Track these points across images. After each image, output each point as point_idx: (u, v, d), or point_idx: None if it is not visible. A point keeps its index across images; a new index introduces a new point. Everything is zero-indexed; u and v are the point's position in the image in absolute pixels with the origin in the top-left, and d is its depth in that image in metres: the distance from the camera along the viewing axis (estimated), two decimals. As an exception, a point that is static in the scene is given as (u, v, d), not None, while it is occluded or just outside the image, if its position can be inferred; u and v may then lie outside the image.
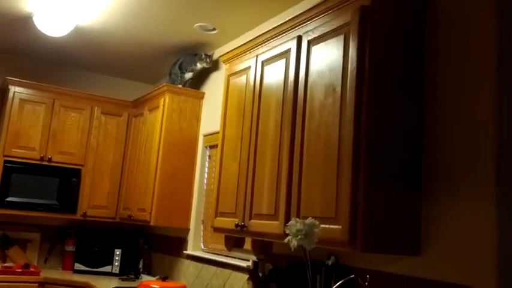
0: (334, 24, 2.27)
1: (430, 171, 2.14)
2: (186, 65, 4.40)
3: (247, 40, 3.03)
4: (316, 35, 2.39)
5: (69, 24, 4.00)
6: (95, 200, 4.86)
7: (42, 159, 4.67)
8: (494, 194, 1.87)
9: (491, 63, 1.97)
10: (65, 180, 4.73)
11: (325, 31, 2.33)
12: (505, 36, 1.99)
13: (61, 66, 5.34)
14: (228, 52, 3.24)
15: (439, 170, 2.10)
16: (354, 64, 2.10)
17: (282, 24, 2.69)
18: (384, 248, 2.04)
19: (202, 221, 4.27)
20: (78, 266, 4.73)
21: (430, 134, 2.16)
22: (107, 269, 4.74)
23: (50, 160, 4.70)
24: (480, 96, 1.99)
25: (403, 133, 2.14)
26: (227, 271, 3.61)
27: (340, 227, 2.02)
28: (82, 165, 4.85)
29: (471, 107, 2.01)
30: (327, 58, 2.29)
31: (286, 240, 1.90)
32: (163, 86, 4.41)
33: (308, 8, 2.48)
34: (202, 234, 4.27)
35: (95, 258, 4.76)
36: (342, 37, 2.21)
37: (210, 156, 4.33)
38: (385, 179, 2.05)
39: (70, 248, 4.89)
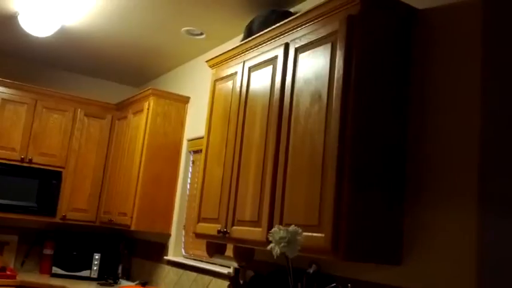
0: (322, 32, 2.28)
1: (413, 181, 2.15)
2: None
3: (235, 46, 3.02)
4: (304, 43, 2.40)
5: (54, 25, 3.96)
6: (75, 203, 4.79)
7: (22, 160, 4.60)
8: (476, 205, 1.89)
9: (477, 76, 1.99)
10: (45, 182, 4.65)
11: (312, 39, 2.34)
12: (491, 51, 2.02)
13: (45, 67, 5.28)
14: (214, 57, 3.24)
15: (422, 180, 2.11)
16: (340, 72, 2.11)
17: (269, 31, 2.69)
18: (366, 257, 2.04)
19: (184, 226, 4.24)
20: (55, 269, 4.65)
21: (414, 143, 2.18)
22: (85, 273, 4.67)
23: (30, 161, 4.63)
24: (465, 108, 2.00)
25: (388, 142, 2.15)
26: (208, 277, 3.59)
27: (323, 235, 2.02)
28: (63, 168, 4.78)
29: (456, 117, 2.03)
30: (314, 66, 2.30)
31: (269, 247, 1.89)
32: (148, 90, 4.38)
33: (296, 15, 2.48)
34: (183, 239, 4.24)
35: (73, 262, 4.68)
36: (329, 45, 2.22)
37: (193, 161, 4.31)
38: (369, 188, 2.06)
39: (48, 251, 4.80)
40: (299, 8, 3.16)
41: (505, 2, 2.12)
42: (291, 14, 2.96)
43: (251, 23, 3.16)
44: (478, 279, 1.85)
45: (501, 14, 2.10)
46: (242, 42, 2.96)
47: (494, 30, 2.05)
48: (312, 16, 2.37)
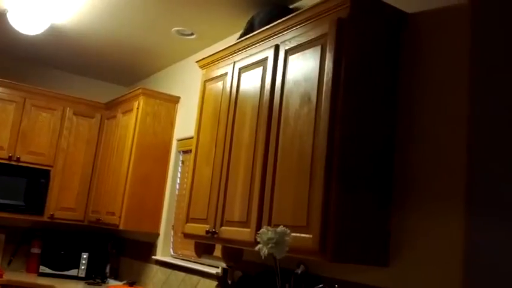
0: (312, 35, 2.30)
1: (400, 183, 2.17)
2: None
3: (225, 46, 3.03)
4: (294, 45, 2.41)
5: (44, 23, 3.94)
6: (63, 202, 4.77)
7: (10, 158, 4.56)
8: (463, 208, 1.91)
9: (465, 80, 2.01)
10: (33, 181, 4.63)
11: (302, 41, 2.35)
12: (479, 54, 2.04)
13: (34, 65, 5.24)
14: (205, 58, 3.24)
15: (410, 182, 2.13)
16: (330, 75, 2.12)
17: (260, 32, 2.70)
18: (354, 258, 2.06)
19: (173, 226, 4.23)
20: (43, 268, 4.62)
21: (402, 145, 2.20)
22: (73, 272, 4.65)
23: (18, 160, 4.59)
24: (453, 111, 2.03)
25: (376, 144, 2.17)
26: (196, 278, 3.59)
27: (311, 236, 2.03)
28: (51, 166, 4.76)
29: (443, 121, 2.06)
30: (304, 68, 2.31)
31: (257, 248, 1.89)
32: (138, 89, 4.37)
33: (286, 18, 2.50)
34: (172, 239, 4.23)
35: (60, 261, 4.66)
36: (318, 48, 2.24)
37: (183, 162, 4.31)
38: (357, 190, 2.08)
39: (35, 250, 4.77)
40: (301, 5, 3.15)
41: (493, 6, 2.15)
42: (292, 10, 2.97)
43: (252, 18, 3.15)
44: (464, 281, 1.87)
45: (489, 19, 2.12)
46: (232, 44, 2.96)
47: (483, 35, 2.08)
48: (302, 18, 2.39)
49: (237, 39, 3.03)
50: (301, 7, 2.89)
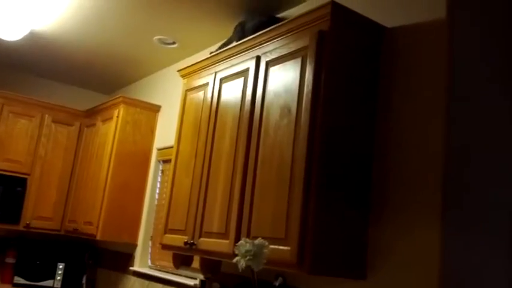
0: (293, 47, 2.30)
1: (379, 196, 2.17)
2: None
3: (207, 56, 3.02)
4: (275, 57, 2.41)
5: (23, 28, 3.89)
6: (39, 211, 4.68)
7: (-15, 166, 4.47)
8: (440, 222, 1.92)
9: (442, 93, 2.03)
10: (9, 189, 4.53)
11: (283, 53, 2.36)
12: (455, 67, 2.07)
13: (13, 71, 5.16)
14: (186, 67, 3.23)
15: (388, 195, 2.14)
16: (310, 87, 2.13)
17: (241, 43, 2.70)
18: (331, 271, 2.05)
19: (151, 237, 4.18)
20: (17, 279, 4.52)
21: (381, 159, 2.21)
22: (49, 283, 4.56)
23: (-6, 167, 4.51)
24: (430, 126, 2.04)
25: (355, 157, 2.17)
26: (174, 289, 3.54)
27: (289, 248, 2.02)
28: (28, 174, 4.67)
29: (421, 135, 2.07)
30: (284, 80, 2.31)
31: (234, 260, 1.88)
32: (118, 97, 4.33)
33: (268, 29, 2.50)
34: (150, 250, 4.18)
35: (36, 272, 4.56)
36: (299, 60, 2.24)
37: (162, 171, 4.27)
38: (336, 202, 2.07)
39: (10, 260, 4.66)
40: (289, 14, 3.15)
41: (469, 21, 2.19)
42: (279, 20, 2.98)
43: (240, 24, 3.13)
44: (440, 294, 1.87)
45: (466, 33, 2.16)
46: (214, 54, 2.96)
47: (459, 48, 2.11)
48: (283, 30, 2.40)
49: (222, 43, 3.00)
50: (289, 16, 2.89)
